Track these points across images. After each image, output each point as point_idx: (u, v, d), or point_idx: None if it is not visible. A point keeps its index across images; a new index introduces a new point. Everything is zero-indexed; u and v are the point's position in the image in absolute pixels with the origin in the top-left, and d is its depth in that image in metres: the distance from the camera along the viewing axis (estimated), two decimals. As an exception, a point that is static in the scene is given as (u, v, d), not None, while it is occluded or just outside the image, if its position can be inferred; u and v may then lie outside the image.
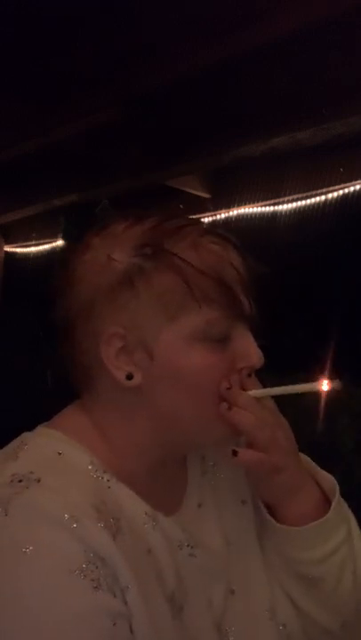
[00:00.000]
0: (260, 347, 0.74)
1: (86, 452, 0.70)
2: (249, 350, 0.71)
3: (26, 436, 0.74)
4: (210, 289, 0.68)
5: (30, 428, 0.76)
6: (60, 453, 0.69)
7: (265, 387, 0.74)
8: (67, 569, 0.59)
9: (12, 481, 0.64)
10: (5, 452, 0.71)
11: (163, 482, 0.76)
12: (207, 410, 0.70)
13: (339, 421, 2.74)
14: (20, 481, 0.64)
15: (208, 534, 0.76)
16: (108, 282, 0.69)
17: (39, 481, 0.64)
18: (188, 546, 0.72)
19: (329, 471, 0.82)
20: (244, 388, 0.72)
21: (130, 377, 0.69)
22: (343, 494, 0.81)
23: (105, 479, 0.69)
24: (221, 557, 0.76)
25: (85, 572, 0.59)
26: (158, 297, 0.68)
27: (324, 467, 0.83)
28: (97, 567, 0.60)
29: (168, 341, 0.68)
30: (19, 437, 0.74)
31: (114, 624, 0.59)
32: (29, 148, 3.03)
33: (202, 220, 4.18)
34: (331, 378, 0.71)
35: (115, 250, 0.70)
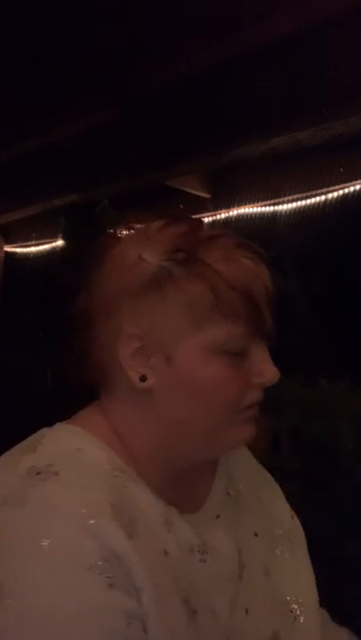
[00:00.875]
0: None
1: (105, 449, 0.70)
2: (265, 367, 0.71)
3: (45, 430, 0.74)
4: (237, 304, 0.68)
5: (30, 427, 0.76)
6: (79, 449, 0.69)
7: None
8: (83, 565, 0.59)
9: (29, 473, 0.64)
10: (24, 445, 0.71)
11: (181, 487, 0.76)
12: (218, 420, 0.71)
13: (339, 421, 2.74)
14: (39, 473, 0.64)
15: (220, 543, 0.76)
16: (136, 282, 0.68)
17: (57, 474, 0.64)
18: (198, 551, 0.72)
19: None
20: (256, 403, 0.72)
21: (143, 379, 0.69)
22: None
23: (122, 478, 0.69)
24: (229, 569, 0.76)
25: (101, 569, 0.59)
26: (185, 305, 0.67)
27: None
28: (112, 565, 0.60)
29: (188, 350, 0.68)
30: (38, 432, 0.73)
31: (128, 623, 0.59)
32: (29, 148, 3.03)
33: (202, 219, 4.19)
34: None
35: (146, 250, 0.69)
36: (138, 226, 0.73)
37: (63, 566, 0.59)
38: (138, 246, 0.70)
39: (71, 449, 0.69)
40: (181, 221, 0.72)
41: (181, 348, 0.68)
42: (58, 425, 0.75)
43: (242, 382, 0.70)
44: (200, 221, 0.73)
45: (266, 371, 0.71)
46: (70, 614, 0.57)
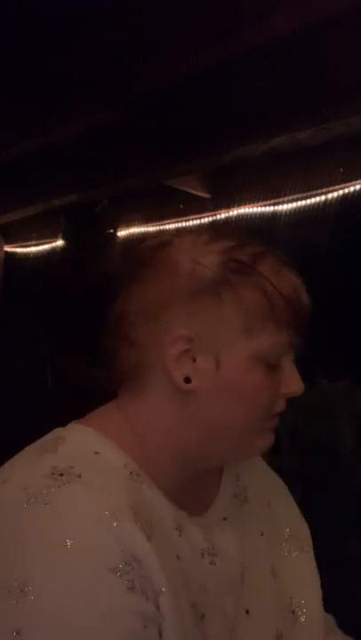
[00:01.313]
0: None
1: (121, 453, 0.71)
2: (292, 379, 0.74)
3: (60, 431, 0.74)
4: (287, 314, 0.71)
5: (30, 428, 0.75)
6: (96, 453, 0.69)
7: None
8: (105, 567, 0.59)
9: (52, 473, 0.64)
10: (42, 445, 0.71)
11: (191, 490, 0.76)
12: (252, 426, 0.73)
13: (339, 421, 2.74)
14: (62, 474, 0.64)
15: (228, 546, 0.77)
16: (192, 285, 0.70)
17: (80, 476, 0.64)
18: (209, 554, 0.73)
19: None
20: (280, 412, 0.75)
21: (188, 380, 0.70)
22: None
23: (138, 481, 0.70)
24: (237, 569, 0.77)
25: (122, 571, 0.60)
26: (242, 311, 0.70)
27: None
28: (132, 568, 0.60)
29: (237, 355, 0.70)
30: (53, 432, 0.74)
31: (144, 626, 0.60)
32: (29, 147, 3.03)
33: (202, 220, 4.19)
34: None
35: (202, 256, 0.71)
36: (184, 235, 0.76)
37: (85, 567, 0.59)
38: (191, 252, 0.72)
39: (89, 452, 0.70)
40: (227, 235, 0.75)
41: (231, 353, 0.70)
42: (72, 425, 0.75)
43: (275, 392, 0.73)
44: (245, 237, 0.76)
45: (293, 382, 0.74)
46: (90, 615, 0.58)
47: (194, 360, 0.70)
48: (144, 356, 0.72)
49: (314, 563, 0.86)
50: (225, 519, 0.79)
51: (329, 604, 0.89)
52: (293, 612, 0.80)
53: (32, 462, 0.68)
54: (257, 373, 0.71)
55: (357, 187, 3.46)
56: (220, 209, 4.11)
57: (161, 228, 4.12)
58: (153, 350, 0.71)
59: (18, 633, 0.56)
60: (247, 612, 0.75)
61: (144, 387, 0.73)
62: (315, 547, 0.88)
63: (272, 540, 0.83)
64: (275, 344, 0.71)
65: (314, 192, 3.64)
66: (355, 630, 0.93)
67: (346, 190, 3.52)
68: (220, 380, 0.70)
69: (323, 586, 0.85)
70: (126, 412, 0.74)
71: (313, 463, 2.49)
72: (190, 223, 4.22)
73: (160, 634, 0.62)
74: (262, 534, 0.83)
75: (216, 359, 0.70)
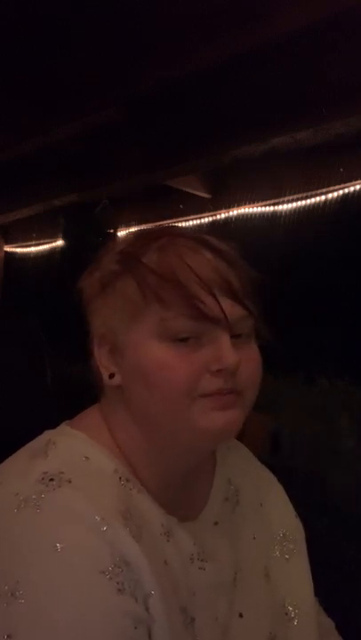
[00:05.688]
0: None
1: (111, 458, 0.72)
2: (221, 353, 0.69)
3: (51, 434, 0.74)
4: (162, 289, 0.69)
5: (30, 428, 0.76)
6: (87, 458, 0.70)
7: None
8: (95, 569, 0.60)
9: (43, 479, 0.65)
10: (33, 449, 0.72)
11: (180, 493, 0.77)
12: (173, 407, 0.69)
13: (339, 421, 2.74)
14: (52, 480, 0.65)
15: (219, 550, 0.77)
16: (92, 289, 0.75)
17: (70, 482, 0.65)
18: (198, 559, 0.73)
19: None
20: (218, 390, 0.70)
21: (111, 377, 0.73)
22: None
23: (127, 487, 0.70)
24: (229, 573, 0.77)
25: (112, 574, 0.61)
26: (121, 300, 0.72)
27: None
28: (122, 571, 0.61)
29: (134, 340, 0.71)
30: (43, 435, 0.74)
31: (135, 627, 0.61)
32: (29, 147, 3.03)
33: (202, 220, 4.19)
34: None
35: (101, 259, 0.76)
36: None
37: (76, 569, 0.60)
38: (98, 258, 0.76)
39: (79, 457, 0.70)
40: (146, 230, 0.79)
41: (130, 340, 0.71)
42: (64, 427, 0.76)
43: (191, 369, 0.69)
44: (166, 227, 0.78)
45: (222, 356, 0.69)
46: (80, 616, 0.58)
47: (114, 356, 0.73)
48: (94, 361, 0.75)
49: (307, 564, 0.86)
50: (216, 524, 0.79)
51: (329, 604, 0.89)
52: (287, 614, 0.81)
53: (23, 467, 0.68)
54: (160, 353, 0.69)
55: (357, 187, 3.46)
56: (220, 209, 4.11)
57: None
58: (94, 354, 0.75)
59: (9, 636, 0.57)
60: (241, 615, 0.76)
61: (105, 395, 0.76)
62: (315, 547, 0.88)
63: (265, 543, 0.84)
64: (163, 319, 0.69)
65: (314, 192, 3.64)
66: (355, 630, 0.93)
67: (346, 190, 3.52)
68: (128, 368, 0.72)
69: (323, 586, 0.85)
70: (105, 415, 0.76)
71: (313, 463, 2.50)
72: (190, 223, 4.22)
73: (150, 636, 0.62)
74: (254, 538, 0.83)
75: (120, 350, 0.72)
